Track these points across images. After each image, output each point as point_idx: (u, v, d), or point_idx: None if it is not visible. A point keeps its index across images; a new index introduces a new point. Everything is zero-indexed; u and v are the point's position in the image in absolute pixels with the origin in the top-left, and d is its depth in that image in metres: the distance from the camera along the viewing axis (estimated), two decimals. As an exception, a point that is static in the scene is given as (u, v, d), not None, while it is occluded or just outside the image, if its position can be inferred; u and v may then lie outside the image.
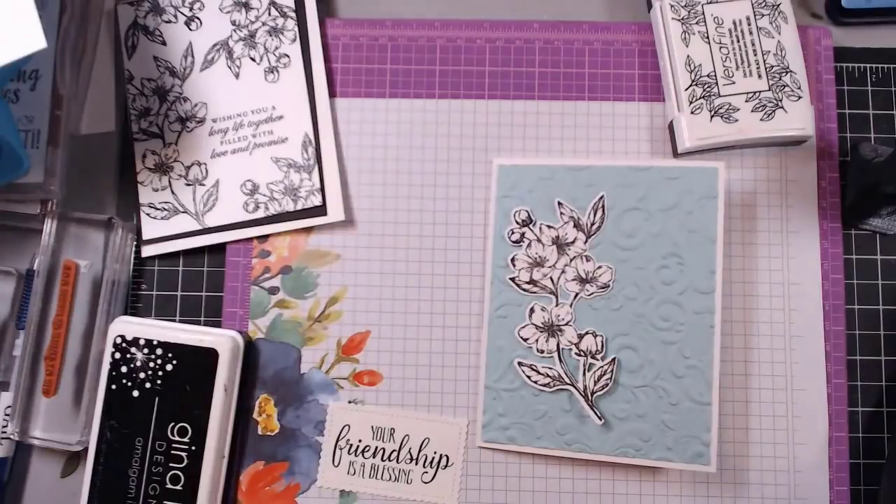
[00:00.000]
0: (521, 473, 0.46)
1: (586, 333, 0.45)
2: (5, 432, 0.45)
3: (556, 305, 0.45)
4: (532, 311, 0.45)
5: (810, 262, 0.47)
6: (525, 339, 0.45)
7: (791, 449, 0.45)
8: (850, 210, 0.47)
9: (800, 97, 0.46)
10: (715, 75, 0.46)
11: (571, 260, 0.46)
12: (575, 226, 0.46)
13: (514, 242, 0.46)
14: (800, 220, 0.47)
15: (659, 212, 0.45)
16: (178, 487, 0.44)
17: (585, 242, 0.45)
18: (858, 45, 0.50)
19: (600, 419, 0.44)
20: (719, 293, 0.44)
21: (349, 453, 0.46)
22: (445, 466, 0.45)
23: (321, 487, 0.46)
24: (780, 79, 0.46)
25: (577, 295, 0.45)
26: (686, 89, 0.46)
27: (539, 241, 0.46)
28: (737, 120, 0.46)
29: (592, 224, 0.45)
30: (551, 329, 0.45)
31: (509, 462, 0.46)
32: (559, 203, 0.46)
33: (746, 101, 0.46)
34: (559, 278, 0.45)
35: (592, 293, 0.45)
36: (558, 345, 0.45)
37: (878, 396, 0.46)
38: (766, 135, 0.46)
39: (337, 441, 0.46)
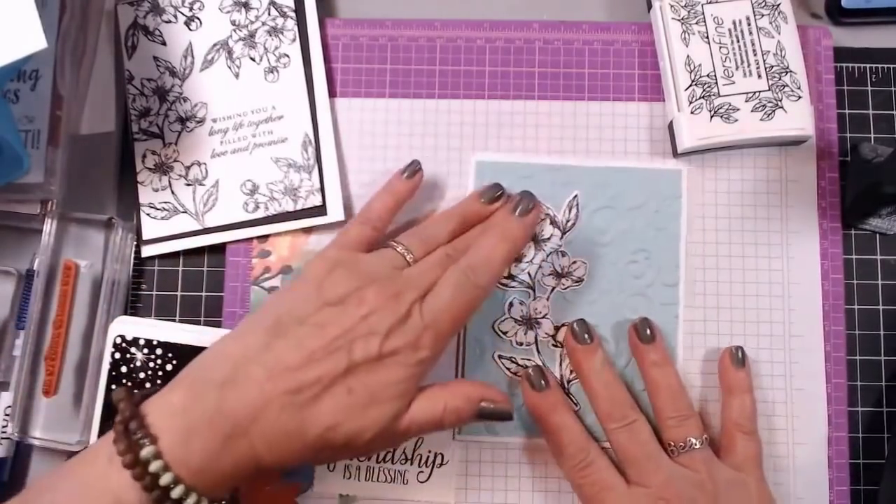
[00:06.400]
0: (521, 473, 0.46)
1: (562, 325, 0.46)
2: (5, 432, 0.45)
3: (534, 299, 0.46)
4: (511, 305, 0.46)
5: (810, 262, 0.47)
6: (504, 333, 0.46)
7: (791, 449, 0.45)
8: (850, 210, 0.47)
9: (799, 97, 0.46)
10: (715, 75, 0.46)
11: (548, 255, 0.47)
12: (551, 223, 0.47)
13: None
14: (800, 220, 0.47)
15: (628, 210, 0.47)
16: (178, 487, 0.43)
17: (561, 238, 0.47)
18: (858, 45, 0.50)
19: (576, 405, 0.45)
20: (683, 285, 0.46)
21: (349, 453, 0.46)
22: (440, 465, 0.45)
23: (320, 491, 0.46)
24: (779, 79, 0.46)
25: (553, 289, 0.46)
26: (686, 89, 0.46)
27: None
28: (737, 120, 0.46)
29: (568, 221, 0.47)
30: (529, 322, 0.46)
31: (509, 462, 0.46)
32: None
33: (746, 101, 0.46)
34: (536, 273, 0.46)
35: (568, 287, 0.46)
36: (536, 337, 0.46)
37: (878, 396, 0.46)
38: (765, 135, 0.46)
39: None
